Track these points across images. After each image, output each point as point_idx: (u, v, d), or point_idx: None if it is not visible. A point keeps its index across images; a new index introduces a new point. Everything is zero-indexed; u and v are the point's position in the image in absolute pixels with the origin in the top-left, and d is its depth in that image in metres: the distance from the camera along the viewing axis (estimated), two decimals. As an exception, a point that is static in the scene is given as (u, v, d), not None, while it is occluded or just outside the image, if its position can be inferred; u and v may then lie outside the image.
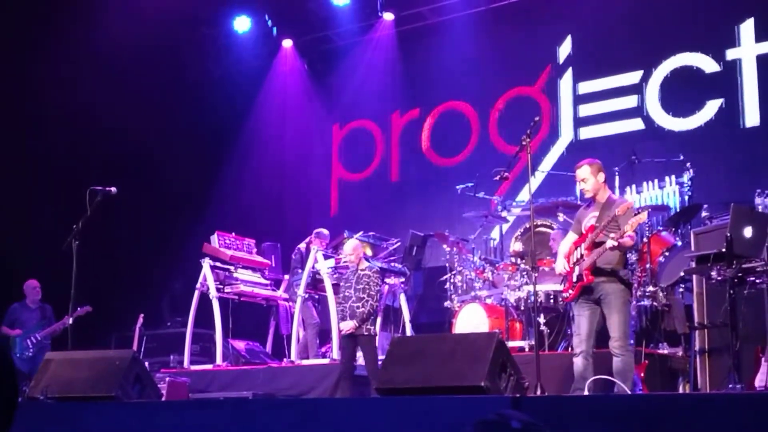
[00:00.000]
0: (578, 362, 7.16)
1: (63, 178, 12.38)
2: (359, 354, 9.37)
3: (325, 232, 10.98)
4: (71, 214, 8.49)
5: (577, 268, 7.19)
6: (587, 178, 7.33)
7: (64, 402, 6.64)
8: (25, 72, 12.69)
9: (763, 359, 6.74)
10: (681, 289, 8.85)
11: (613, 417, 4.48)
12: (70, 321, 8.35)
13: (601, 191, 7.36)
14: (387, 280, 10.81)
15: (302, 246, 10.94)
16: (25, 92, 12.72)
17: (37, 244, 11.66)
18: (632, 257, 9.14)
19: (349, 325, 8.85)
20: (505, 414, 2.29)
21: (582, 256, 7.20)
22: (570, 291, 7.31)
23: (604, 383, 7.15)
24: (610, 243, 6.98)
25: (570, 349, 8.08)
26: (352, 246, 9.22)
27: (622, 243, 7.03)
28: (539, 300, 8.83)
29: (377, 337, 9.22)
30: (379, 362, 8.87)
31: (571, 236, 7.49)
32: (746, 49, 11.66)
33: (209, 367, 10.59)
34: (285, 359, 10.45)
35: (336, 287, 10.06)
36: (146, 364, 8.75)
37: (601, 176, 7.36)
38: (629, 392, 7.14)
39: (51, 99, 12.76)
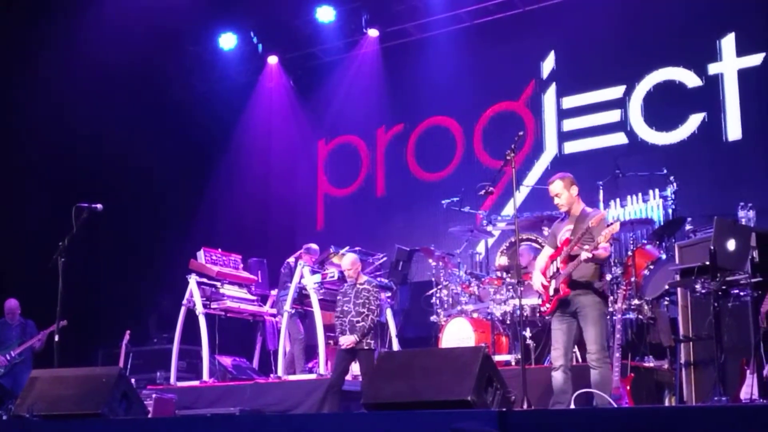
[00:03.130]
0: (557, 376, 7.18)
1: (49, 195, 12.36)
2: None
3: (315, 247, 10.98)
4: (57, 230, 8.47)
5: (553, 282, 7.22)
6: (561, 192, 7.37)
7: (51, 420, 6.60)
8: (11, 88, 12.68)
9: (747, 371, 6.77)
10: (666, 302, 8.90)
11: (600, 430, 4.50)
12: (56, 338, 8.30)
13: (575, 205, 7.38)
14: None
15: (291, 260, 10.93)
16: (12, 108, 12.72)
17: (23, 261, 11.62)
18: (617, 271, 9.19)
19: (350, 340, 8.85)
20: (456, 428, 2.33)
21: (558, 269, 7.24)
22: (547, 305, 7.34)
23: (587, 396, 7.18)
24: (584, 255, 7.00)
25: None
26: (351, 260, 9.20)
27: (596, 255, 7.05)
28: (525, 314, 8.86)
29: (376, 351, 9.23)
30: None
31: (547, 250, 7.51)
32: (728, 63, 11.76)
33: (196, 383, 10.55)
34: (272, 375, 10.44)
35: (325, 302, 10.06)
36: (133, 380, 8.73)
37: (574, 189, 7.38)
38: (613, 403, 7.17)
39: (38, 115, 12.77)
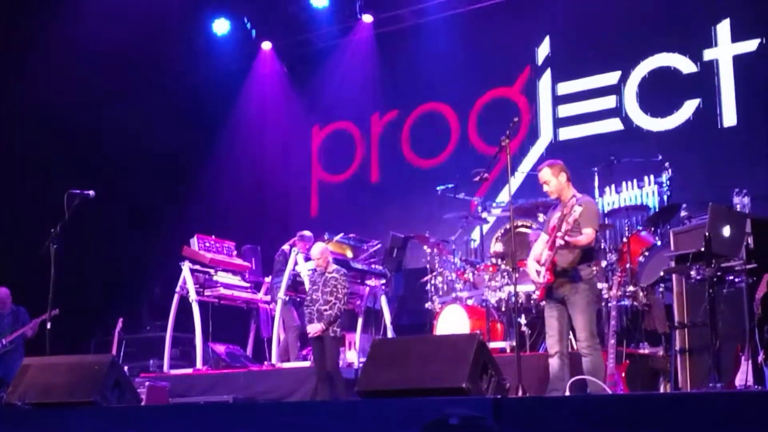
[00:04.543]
0: (554, 363, 7.19)
1: (41, 182, 12.30)
2: (339, 356, 9.37)
3: (309, 234, 10.93)
4: (49, 217, 8.42)
5: (542, 269, 7.22)
6: (549, 180, 7.39)
7: (43, 408, 6.57)
8: (2, 73, 12.59)
9: (742, 358, 6.77)
10: (661, 289, 8.88)
11: (594, 417, 4.48)
12: (48, 326, 8.26)
13: (564, 191, 7.39)
14: (368, 282, 10.80)
15: (286, 247, 10.89)
16: (2, 95, 12.61)
17: (15, 248, 11.56)
18: (612, 257, 9.17)
19: (316, 328, 8.92)
20: (446, 413, 2.32)
21: (547, 257, 7.25)
22: (537, 292, 7.35)
23: (582, 384, 7.17)
24: (558, 241, 7.01)
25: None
26: (320, 249, 9.24)
27: (571, 241, 7.04)
28: (520, 301, 8.83)
29: (342, 339, 9.30)
30: (361, 364, 8.88)
31: (543, 238, 7.51)
32: (723, 49, 11.72)
33: (189, 371, 10.53)
34: (265, 362, 10.41)
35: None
36: (125, 368, 8.70)
37: (563, 176, 7.39)
38: (608, 390, 7.18)
39: (29, 102, 12.68)
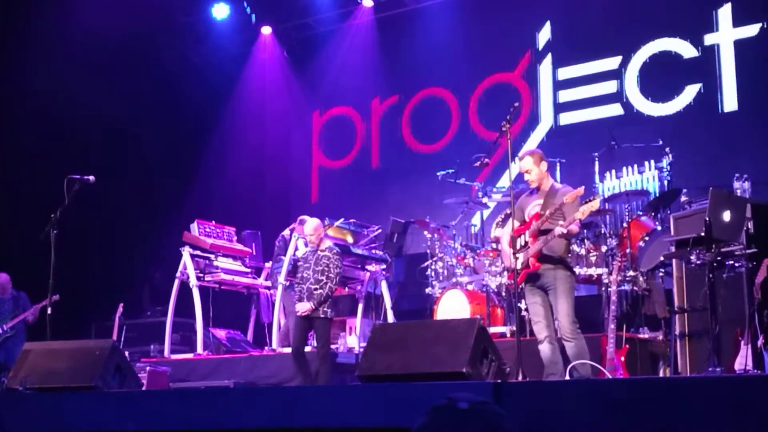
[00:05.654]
0: (545, 348, 7.20)
1: (40, 167, 12.27)
2: (340, 341, 9.37)
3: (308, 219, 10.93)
4: (49, 203, 8.41)
5: (521, 255, 7.21)
6: (531, 168, 7.40)
7: (44, 393, 6.59)
8: (2, 60, 12.55)
9: (742, 342, 6.78)
10: (661, 274, 8.90)
11: (594, 401, 4.49)
12: (49, 311, 8.26)
13: (544, 180, 7.43)
14: (368, 267, 10.81)
15: (286, 233, 10.88)
16: (3, 80, 12.58)
17: (15, 233, 11.55)
18: (612, 242, 9.18)
19: (305, 307, 8.80)
20: (453, 397, 2.31)
21: (527, 243, 7.24)
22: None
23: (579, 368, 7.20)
24: (558, 230, 7.01)
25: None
26: (313, 226, 9.14)
27: (570, 231, 7.07)
28: (520, 285, 8.84)
29: (332, 321, 9.20)
30: (361, 349, 8.90)
31: (514, 224, 7.52)
32: (724, 34, 11.70)
33: (190, 356, 10.55)
34: (266, 347, 10.43)
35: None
36: (126, 353, 8.70)
37: (544, 165, 7.42)
38: (606, 372, 7.20)
39: (27, 87, 12.64)
